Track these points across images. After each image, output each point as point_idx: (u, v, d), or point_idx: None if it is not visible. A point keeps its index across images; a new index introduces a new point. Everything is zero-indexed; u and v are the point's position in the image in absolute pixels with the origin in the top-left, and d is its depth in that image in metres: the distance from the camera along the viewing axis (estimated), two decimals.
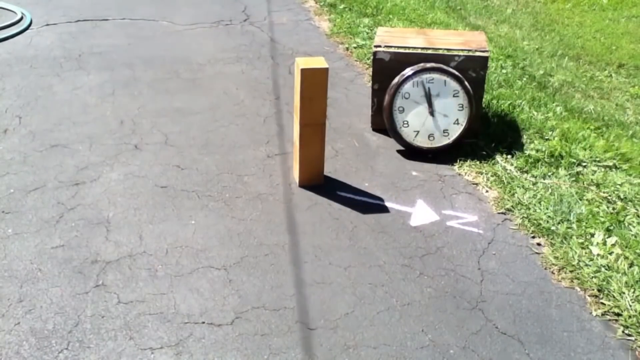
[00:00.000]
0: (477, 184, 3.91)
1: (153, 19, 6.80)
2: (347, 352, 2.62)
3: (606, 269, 3.12)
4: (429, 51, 4.24)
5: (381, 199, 3.72)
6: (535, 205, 3.64)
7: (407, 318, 2.82)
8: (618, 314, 2.88)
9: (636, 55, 6.57)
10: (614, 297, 2.96)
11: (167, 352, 2.58)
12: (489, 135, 4.38)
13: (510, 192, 3.78)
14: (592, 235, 3.37)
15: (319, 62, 3.54)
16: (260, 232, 3.36)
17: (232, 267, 3.08)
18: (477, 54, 4.21)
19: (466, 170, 4.04)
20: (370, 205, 3.67)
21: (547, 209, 3.59)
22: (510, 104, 4.86)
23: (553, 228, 3.44)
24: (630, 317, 2.84)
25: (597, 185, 3.85)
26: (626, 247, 3.27)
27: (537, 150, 4.19)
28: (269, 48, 6.07)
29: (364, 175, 3.97)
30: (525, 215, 3.57)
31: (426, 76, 4.10)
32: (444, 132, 4.15)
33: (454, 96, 4.11)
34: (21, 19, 6.48)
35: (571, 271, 3.15)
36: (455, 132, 4.14)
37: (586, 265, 3.17)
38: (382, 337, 2.70)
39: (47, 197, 3.58)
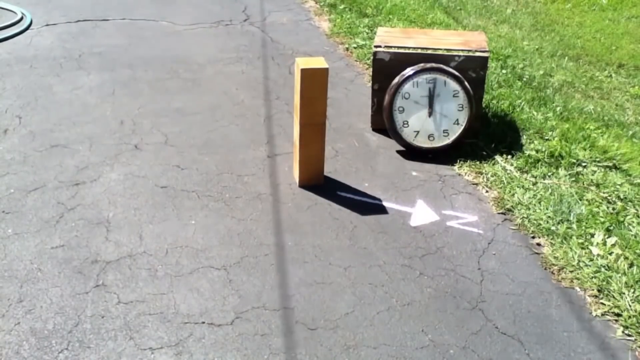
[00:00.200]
0: (477, 184, 3.91)
1: (153, 19, 6.80)
2: (347, 352, 2.62)
3: (606, 269, 3.12)
4: (429, 51, 4.24)
5: (381, 199, 3.72)
6: (535, 205, 3.64)
7: (407, 318, 2.82)
8: (618, 314, 2.88)
9: (636, 56, 6.57)
10: (614, 297, 2.96)
11: (167, 352, 2.58)
12: (489, 135, 4.38)
13: (510, 192, 3.79)
14: (592, 235, 3.37)
15: (319, 62, 3.55)
16: (260, 232, 3.36)
17: (232, 267, 3.08)
18: (477, 54, 4.21)
19: (466, 171, 4.04)
20: (370, 205, 3.67)
21: (547, 209, 3.59)
22: (510, 104, 4.86)
23: (553, 228, 3.44)
24: (630, 317, 2.84)
25: (597, 186, 3.85)
26: (626, 247, 3.27)
27: (537, 151, 4.19)
28: (269, 48, 6.07)
29: (364, 175, 3.97)
30: (525, 216, 3.57)
31: (426, 76, 4.10)
32: (444, 132, 4.15)
33: (453, 96, 4.11)
34: (21, 19, 6.48)
35: (571, 271, 3.15)
36: (455, 132, 4.14)
37: (586, 265, 3.17)
38: (382, 337, 2.70)
39: (47, 197, 3.58)
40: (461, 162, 4.11)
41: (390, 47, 4.28)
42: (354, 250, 3.26)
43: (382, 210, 3.62)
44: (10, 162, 3.92)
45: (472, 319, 2.83)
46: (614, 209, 3.62)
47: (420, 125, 4.15)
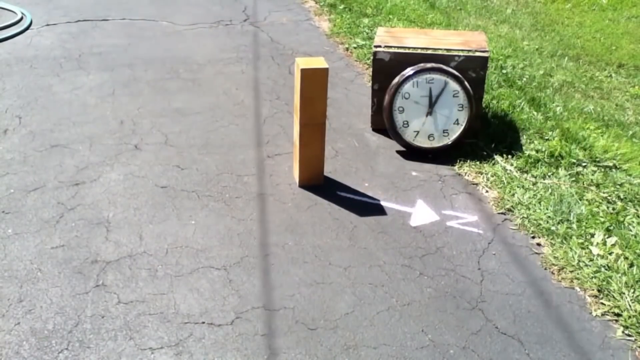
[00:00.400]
0: (477, 184, 3.91)
1: (153, 19, 6.80)
2: (347, 352, 2.62)
3: (606, 269, 3.12)
4: (429, 51, 4.24)
5: (381, 199, 3.72)
6: (535, 205, 3.64)
7: (407, 318, 2.82)
8: (618, 314, 2.88)
9: (636, 55, 6.57)
10: (614, 297, 2.96)
11: (167, 352, 2.58)
12: (489, 135, 4.38)
13: (510, 192, 3.79)
14: (592, 235, 3.37)
15: (319, 62, 3.54)
16: (260, 232, 3.35)
17: (232, 267, 3.08)
18: (477, 54, 4.21)
19: (466, 170, 4.04)
20: (370, 205, 3.67)
21: (547, 209, 3.59)
22: (510, 104, 4.86)
23: (553, 228, 3.44)
24: (630, 317, 2.84)
25: (597, 185, 3.85)
26: (626, 247, 3.27)
27: (537, 150, 4.19)
28: (269, 48, 6.07)
29: (363, 175, 3.97)
30: (525, 216, 3.57)
31: (426, 76, 4.10)
32: (443, 132, 4.15)
33: (453, 96, 4.11)
34: (21, 19, 6.48)
35: (571, 271, 3.15)
36: (455, 132, 4.15)
37: (586, 265, 3.17)
38: (382, 337, 2.70)
39: (47, 197, 3.58)
40: (461, 162, 4.11)
41: (390, 47, 4.28)
42: (354, 250, 3.26)
43: (382, 210, 3.62)
44: (10, 162, 3.92)
45: (472, 319, 2.83)
46: (614, 209, 3.62)
47: (420, 125, 4.15)
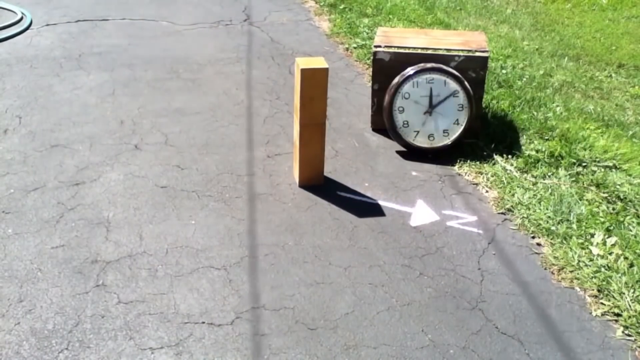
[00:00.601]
0: (477, 184, 3.91)
1: (153, 19, 6.80)
2: (347, 352, 2.62)
3: (606, 269, 3.12)
4: (429, 51, 4.24)
5: (381, 199, 3.72)
6: (535, 205, 3.64)
7: (407, 318, 2.82)
8: (618, 314, 2.88)
9: (636, 55, 6.57)
10: (614, 297, 2.96)
11: (167, 352, 2.58)
12: (489, 135, 4.38)
13: (510, 192, 3.79)
14: (592, 235, 3.37)
15: (319, 62, 3.54)
16: (260, 232, 3.36)
17: (232, 267, 3.08)
18: (477, 54, 4.21)
19: (466, 170, 4.04)
20: (370, 205, 3.67)
21: (547, 209, 3.59)
22: (510, 104, 4.86)
23: (553, 228, 3.44)
24: (630, 317, 2.84)
25: (597, 185, 3.85)
26: (626, 247, 3.27)
27: (537, 151, 4.19)
28: (269, 48, 6.07)
29: (364, 175, 3.97)
30: (525, 216, 3.57)
31: (426, 76, 4.10)
32: (443, 132, 4.15)
33: (453, 96, 4.11)
34: (21, 19, 6.48)
35: (571, 271, 3.15)
36: (455, 132, 4.15)
37: (586, 265, 3.17)
38: (382, 337, 2.70)
39: (47, 197, 3.58)
40: (461, 162, 4.11)
41: (390, 47, 4.28)
42: (354, 250, 3.26)
43: (382, 210, 3.62)
44: (10, 162, 3.92)
45: (472, 319, 2.83)
46: (614, 209, 3.62)
47: (420, 125, 4.15)
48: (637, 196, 3.73)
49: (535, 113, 4.76)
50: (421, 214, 3.59)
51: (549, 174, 3.98)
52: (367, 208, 3.63)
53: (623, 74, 6.10)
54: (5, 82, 5.04)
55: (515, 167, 4.03)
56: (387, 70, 4.24)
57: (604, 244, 3.29)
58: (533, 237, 3.43)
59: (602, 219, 3.49)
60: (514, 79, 5.45)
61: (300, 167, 3.75)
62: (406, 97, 4.13)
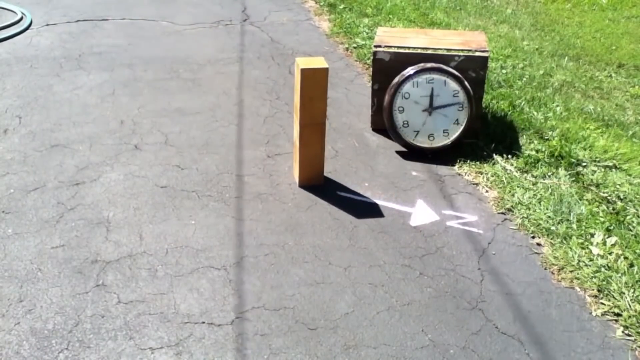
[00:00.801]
0: (477, 184, 3.91)
1: (153, 19, 6.80)
2: (347, 352, 2.62)
3: (606, 269, 3.12)
4: (429, 51, 4.24)
5: (381, 199, 3.72)
6: (535, 205, 3.64)
7: (407, 318, 2.82)
8: (618, 314, 2.88)
9: (636, 55, 6.56)
10: (614, 297, 2.96)
11: (167, 352, 2.58)
12: (489, 135, 4.38)
13: (510, 192, 3.79)
14: (592, 235, 3.37)
15: (319, 62, 3.54)
16: (260, 232, 3.36)
17: (232, 267, 3.08)
18: (477, 54, 4.21)
19: (466, 170, 4.04)
20: (370, 205, 3.67)
21: (547, 209, 3.59)
22: (510, 104, 4.86)
23: (553, 228, 3.44)
24: (630, 317, 2.84)
25: (597, 185, 3.85)
26: (626, 247, 3.27)
27: (537, 150, 4.19)
28: (269, 48, 6.07)
29: (364, 175, 3.97)
30: (525, 215, 3.57)
31: (426, 76, 4.10)
32: (443, 132, 4.15)
33: (453, 96, 4.11)
34: (21, 19, 6.48)
35: (571, 271, 3.15)
36: (455, 132, 4.15)
37: (586, 265, 3.17)
38: (382, 337, 2.70)
39: (47, 197, 3.58)
40: (461, 162, 4.11)
41: (390, 47, 4.28)
42: (354, 250, 3.26)
43: (382, 210, 3.62)
44: (10, 162, 3.92)
45: (472, 319, 2.83)
46: (614, 209, 3.62)
47: (420, 125, 4.15)
48: (637, 196, 3.73)
49: (535, 113, 4.76)
50: (421, 213, 3.59)
51: (549, 174, 3.98)
52: (367, 208, 3.63)
53: (623, 73, 6.10)
54: (5, 82, 5.04)
55: (515, 167, 4.03)
56: (387, 70, 4.24)
57: (604, 243, 3.29)
58: (533, 237, 3.43)
59: (602, 219, 3.49)
60: (514, 78, 5.45)
61: (300, 167, 3.75)
62: (406, 97, 4.13)
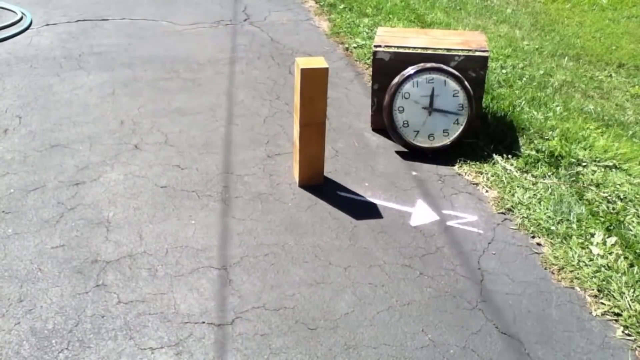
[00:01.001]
0: (477, 184, 3.91)
1: (153, 19, 6.80)
2: (347, 352, 2.62)
3: (606, 269, 3.12)
4: (429, 51, 4.24)
5: (381, 199, 3.72)
6: (535, 205, 3.64)
7: (407, 318, 2.82)
8: (618, 314, 2.88)
9: (636, 55, 6.56)
10: (614, 297, 2.96)
11: (167, 352, 2.58)
12: (489, 135, 4.38)
13: (510, 192, 3.79)
14: (592, 235, 3.37)
15: (319, 62, 3.54)
16: (260, 232, 3.36)
17: (232, 267, 3.08)
18: (477, 54, 4.21)
19: (466, 170, 4.04)
20: (370, 205, 3.67)
21: (547, 209, 3.59)
22: (510, 104, 4.86)
23: (553, 228, 3.44)
24: (630, 317, 2.84)
25: (597, 185, 3.85)
26: (626, 247, 3.27)
27: (537, 150, 4.19)
28: (269, 48, 6.07)
29: (364, 175, 3.97)
30: (525, 215, 3.57)
31: (426, 76, 4.10)
32: (443, 132, 4.15)
33: (453, 96, 4.11)
34: (21, 19, 6.48)
35: (571, 271, 3.15)
36: (455, 132, 4.15)
37: (586, 265, 3.17)
38: (382, 337, 2.70)
39: (47, 197, 3.58)
40: (461, 162, 4.11)
41: (390, 47, 4.28)
42: (354, 250, 3.26)
43: (382, 210, 3.62)
44: (10, 162, 3.92)
45: (472, 319, 2.83)
46: (614, 209, 3.62)
47: (420, 125, 4.15)
48: (637, 196, 3.73)
49: (535, 113, 4.76)
50: (421, 213, 3.59)
51: (549, 173, 3.98)
52: (367, 208, 3.63)
53: (623, 73, 6.10)
54: (5, 82, 5.04)
55: (515, 167, 4.03)
56: (387, 70, 4.24)
57: (604, 243, 3.29)
58: (533, 237, 3.43)
59: (602, 219, 3.49)
60: (514, 78, 5.45)
61: (300, 167, 3.75)
62: (406, 96, 4.13)
